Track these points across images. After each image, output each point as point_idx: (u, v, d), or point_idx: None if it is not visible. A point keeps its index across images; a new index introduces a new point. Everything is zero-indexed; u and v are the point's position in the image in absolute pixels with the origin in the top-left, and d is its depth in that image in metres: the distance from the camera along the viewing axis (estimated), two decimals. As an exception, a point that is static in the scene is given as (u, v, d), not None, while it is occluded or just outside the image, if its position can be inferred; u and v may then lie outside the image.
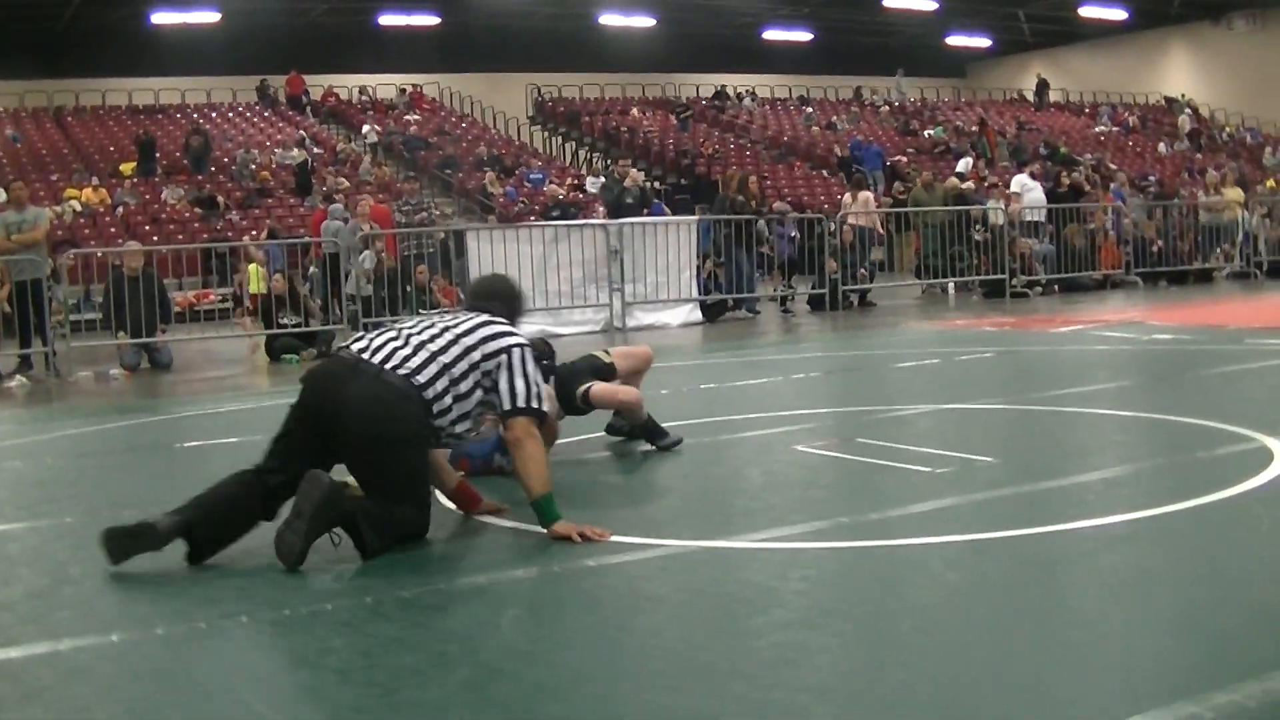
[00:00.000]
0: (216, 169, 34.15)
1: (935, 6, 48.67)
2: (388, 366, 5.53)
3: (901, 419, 9.27)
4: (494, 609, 4.80)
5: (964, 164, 37.37)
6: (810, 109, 47.38)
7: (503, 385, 5.68)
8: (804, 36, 51.87)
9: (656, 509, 6.58)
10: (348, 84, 44.48)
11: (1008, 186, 25.40)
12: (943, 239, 22.07)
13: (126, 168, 33.26)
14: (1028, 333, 15.52)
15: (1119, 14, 49.89)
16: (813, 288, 21.06)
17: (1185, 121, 47.28)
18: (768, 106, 48.17)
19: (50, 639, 4.60)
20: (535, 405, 5.69)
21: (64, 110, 39.04)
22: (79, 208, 28.85)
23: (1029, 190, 23.76)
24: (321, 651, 4.41)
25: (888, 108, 49.02)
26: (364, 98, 43.95)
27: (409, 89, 44.35)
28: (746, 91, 48.58)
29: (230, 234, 27.62)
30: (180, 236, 27.77)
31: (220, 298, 26.10)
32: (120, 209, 29.95)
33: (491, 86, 45.54)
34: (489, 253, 17.60)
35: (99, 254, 20.42)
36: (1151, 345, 13.40)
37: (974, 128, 43.91)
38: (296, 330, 16.65)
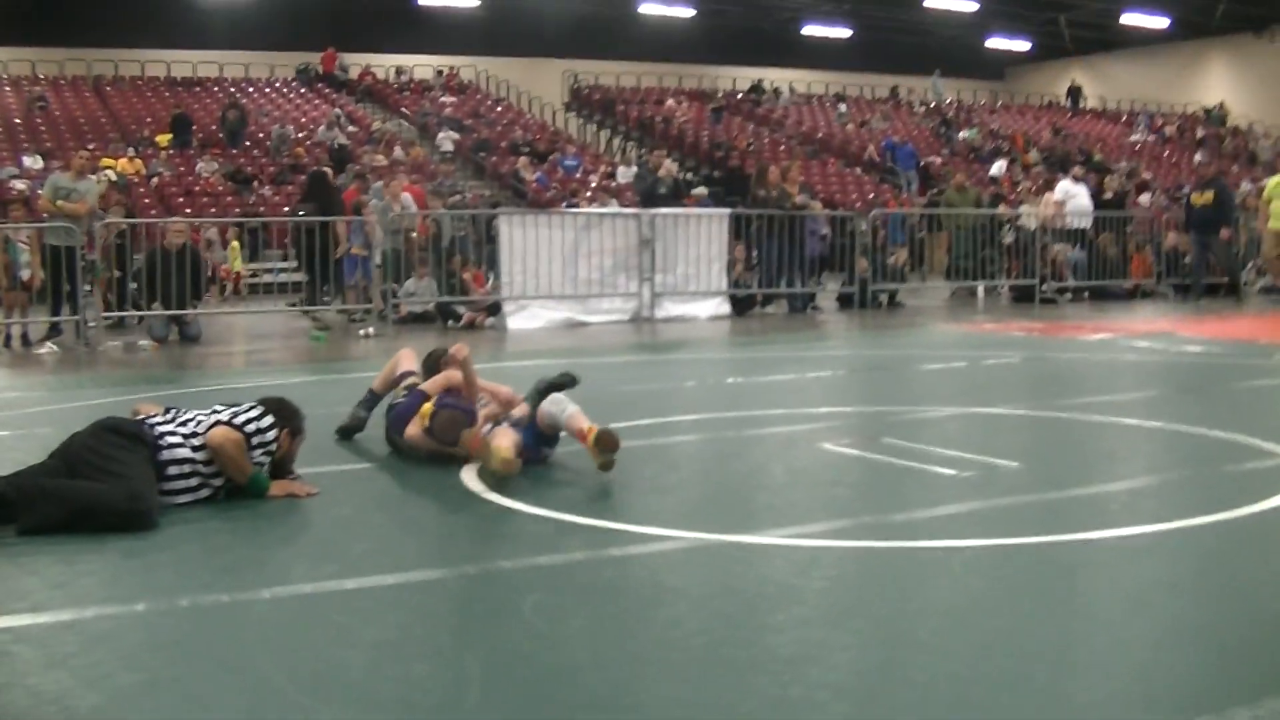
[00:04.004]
0: (251, 144, 34.24)
1: (975, 7, 48.59)
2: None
3: (927, 421, 9.27)
4: (517, 594, 4.82)
5: (998, 168, 37.32)
6: (844, 106, 47.29)
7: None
8: (843, 33, 51.86)
9: (680, 501, 6.60)
10: (385, 63, 44.54)
11: (1042, 191, 25.20)
12: (974, 242, 22.01)
13: (162, 139, 33.39)
14: (1056, 339, 15.48)
15: (1161, 22, 49.72)
16: (842, 286, 21.02)
17: None
18: (803, 102, 48.10)
19: (75, 606, 4.64)
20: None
21: (102, 80, 39.17)
22: (114, 177, 28.95)
23: (1072, 196, 23.34)
24: (343, 628, 4.44)
25: (924, 108, 48.91)
26: (401, 78, 43.99)
27: (445, 71, 44.39)
28: (785, 86, 48.52)
29: (263, 209, 27.71)
30: (213, 210, 27.91)
31: (250, 272, 26.25)
32: (155, 180, 30.06)
33: (528, 71, 45.60)
34: (520, 238, 17.60)
35: (135, 225, 20.32)
36: (1180, 357, 13.35)
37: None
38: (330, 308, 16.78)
